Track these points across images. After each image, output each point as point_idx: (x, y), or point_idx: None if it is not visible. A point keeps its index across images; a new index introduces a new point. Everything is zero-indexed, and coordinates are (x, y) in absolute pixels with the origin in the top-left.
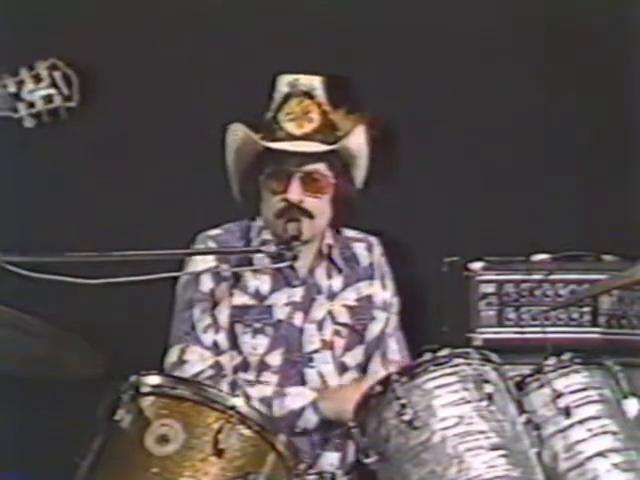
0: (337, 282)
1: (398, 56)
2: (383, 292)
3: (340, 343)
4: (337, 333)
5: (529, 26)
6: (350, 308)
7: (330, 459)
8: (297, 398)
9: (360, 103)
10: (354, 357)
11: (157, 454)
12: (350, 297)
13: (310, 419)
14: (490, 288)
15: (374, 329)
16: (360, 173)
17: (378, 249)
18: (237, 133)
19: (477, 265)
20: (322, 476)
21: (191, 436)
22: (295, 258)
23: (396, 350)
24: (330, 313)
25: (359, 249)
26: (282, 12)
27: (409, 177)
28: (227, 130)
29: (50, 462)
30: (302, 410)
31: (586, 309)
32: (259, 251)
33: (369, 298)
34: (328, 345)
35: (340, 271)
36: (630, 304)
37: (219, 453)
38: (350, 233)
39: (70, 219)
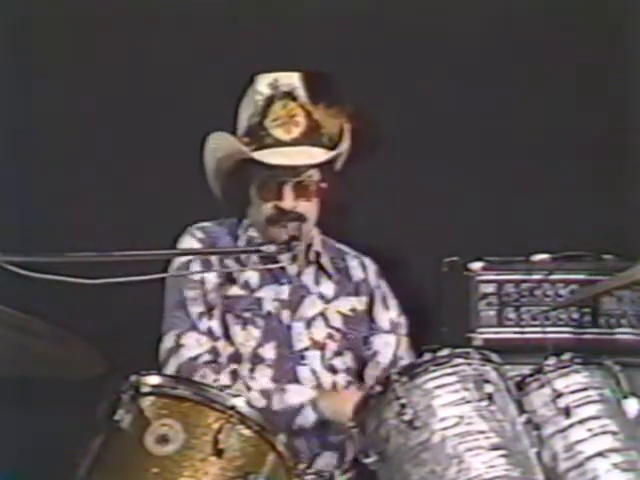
0: (329, 288)
1: (398, 55)
2: (387, 313)
3: (332, 347)
4: (330, 337)
5: (529, 26)
6: (344, 316)
7: (328, 459)
8: (297, 395)
9: (339, 97)
10: (343, 362)
11: (157, 454)
12: (344, 306)
13: (308, 417)
14: (490, 288)
15: (387, 354)
16: (339, 164)
17: (372, 268)
18: (220, 143)
19: (477, 265)
20: (320, 475)
21: (191, 436)
22: (295, 258)
23: None
24: (323, 315)
25: (352, 263)
26: (272, 10)
27: (409, 177)
28: (210, 137)
29: (50, 462)
30: (301, 407)
31: (586, 309)
32: (258, 251)
33: (363, 314)
34: (318, 345)
35: (330, 277)
36: (630, 304)
37: (219, 453)
38: (344, 248)
39: (70, 219)
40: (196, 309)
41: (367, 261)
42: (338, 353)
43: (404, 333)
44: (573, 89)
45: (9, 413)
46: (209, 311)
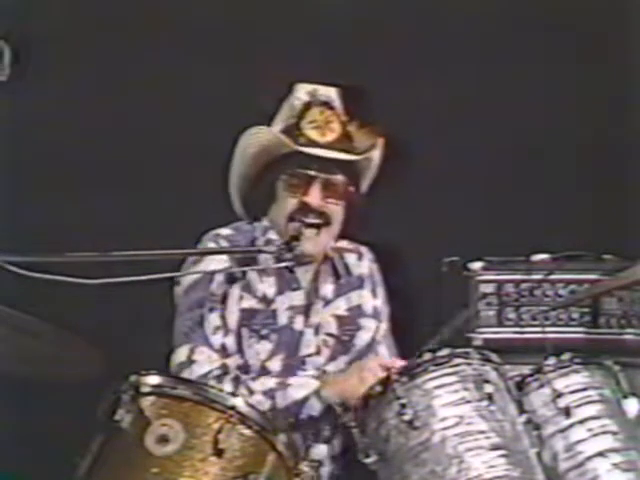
0: (330, 290)
1: (397, 59)
2: (374, 300)
3: (325, 353)
4: (324, 343)
5: (529, 26)
6: (339, 318)
7: (319, 451)
8: (300, 388)
9: (370, 114)
10: (336, 367)
11: (157, 454)
12: (341, 306)
13: (314, 406)
14: (490, 288)
15: (364, 337)
16: (366, 182)
17: (368, 258)
18: (262, 134)
19: (477, 265)
20: (311, 463)
21: (191, 436)
22: (295, 258)
23: (386, 356)
24: (321, 321)
25: (350, 259)
26: (291, 22)
27: (409, 177)
28: (246, 133)
29: (50, 462)
30: (306, 399)
31: (586, 309)
32: (260, 251)
33: (359, 307)
34: (318, 351)
35: (338, 278)
36: (630, 304)
37: (219, 453)
38: (342, 243)
39: (70, 219)
40: (212, 323)
41: (363, 249)
42: (332, 359)
43: (384, 320)
44: (573, 89)
45: (9, 413)
46: (225, 326)
